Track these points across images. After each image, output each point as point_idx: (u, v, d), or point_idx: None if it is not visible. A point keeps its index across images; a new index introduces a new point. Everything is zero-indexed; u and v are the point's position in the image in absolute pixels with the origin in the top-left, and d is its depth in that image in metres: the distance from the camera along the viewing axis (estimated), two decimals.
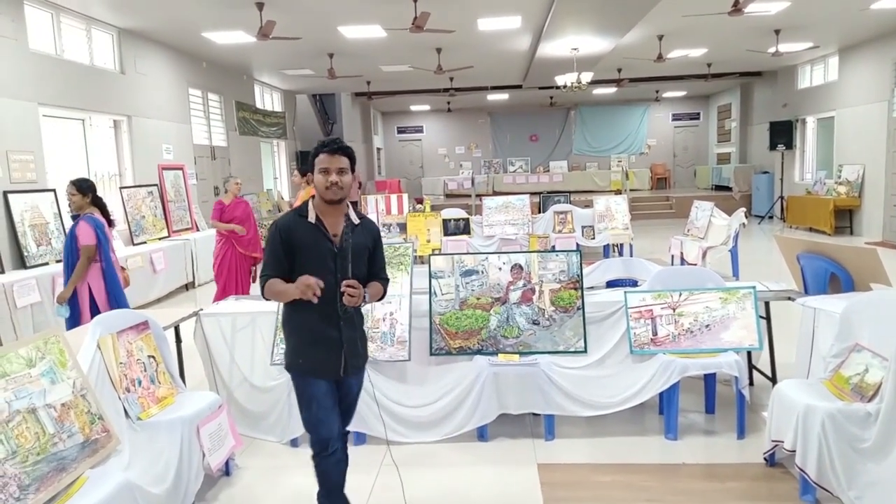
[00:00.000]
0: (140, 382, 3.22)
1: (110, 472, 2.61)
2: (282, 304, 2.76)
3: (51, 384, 2.60)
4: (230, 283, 6.82)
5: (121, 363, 3.15)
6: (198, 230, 10.15)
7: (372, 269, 2.78)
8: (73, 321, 4.69)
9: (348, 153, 2.63)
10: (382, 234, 9.82)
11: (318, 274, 2.53)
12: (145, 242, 8.72)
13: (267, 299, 2.70)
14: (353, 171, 2.66)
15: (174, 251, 8.78)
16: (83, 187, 4.82)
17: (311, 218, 2.64)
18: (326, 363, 2.66)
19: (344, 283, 2.54)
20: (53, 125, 7.82)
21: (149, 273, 8.08)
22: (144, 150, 9.55)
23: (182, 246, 9.03)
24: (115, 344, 3.16)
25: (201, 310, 4.23)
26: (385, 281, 2.85)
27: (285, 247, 2.60)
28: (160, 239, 9.09)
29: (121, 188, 8.90)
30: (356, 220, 2.73)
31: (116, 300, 4.78)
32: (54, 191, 7.26)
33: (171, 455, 3.00)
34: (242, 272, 6.93)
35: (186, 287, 9.02)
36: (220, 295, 6.54)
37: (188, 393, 3.53)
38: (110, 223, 4.94)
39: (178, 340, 4.13)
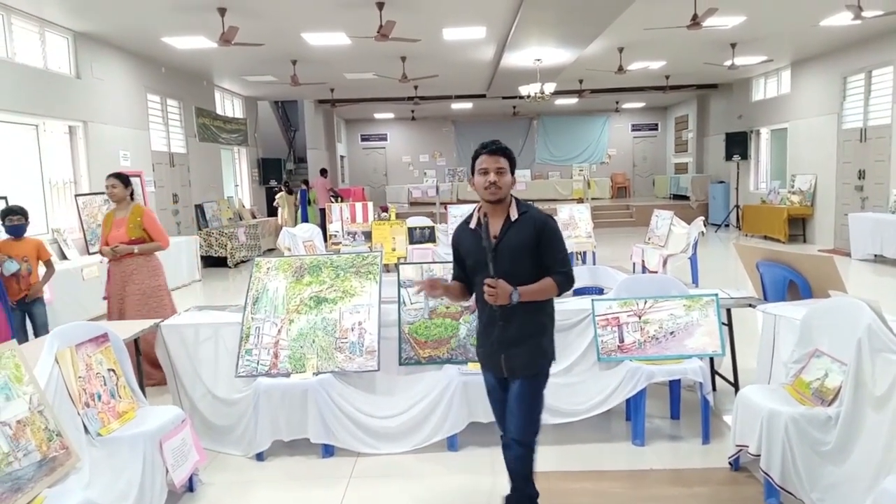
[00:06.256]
0: (100, 397, 3.12)
1: (69, 491, 2.51)
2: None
3: (5, 400, 2.49)
4: None
5: (80, 377, 3.04)
6: None
7: (543, 264, 2.66)
8: None
9: (507, 154, 2.70)
10: (347, 242, 9.66)
11: (479, 275, 2.67)
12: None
13: None
14: (512, 172, 2.71)
15: None
16: None
17: (472, 223, 2.77)
18: (489, 359, 2.80)
19: (485, 281, 2.58)
20: (4, 130, 7.55)
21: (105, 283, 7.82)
22: (101, 156, 9.29)
23: None
24: (74, 357, 3.05)
25: (162, 321, 4.12)
26: (560, 275, 2.67)
27: (456, 255, 2.86)
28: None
29: (76, 196, 8.64)
30: (514, 217, 2.69)
31: None
32: (5, 198, 6.99)
33: (133, 472, 2.90)
34: None
35: None
36: None
37: (150, 407, 3.42)
38: None
39: (138, 353, 4.02)
